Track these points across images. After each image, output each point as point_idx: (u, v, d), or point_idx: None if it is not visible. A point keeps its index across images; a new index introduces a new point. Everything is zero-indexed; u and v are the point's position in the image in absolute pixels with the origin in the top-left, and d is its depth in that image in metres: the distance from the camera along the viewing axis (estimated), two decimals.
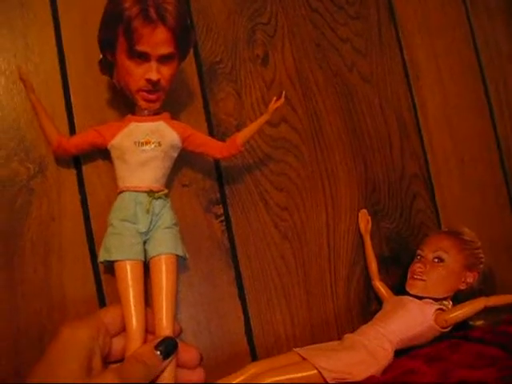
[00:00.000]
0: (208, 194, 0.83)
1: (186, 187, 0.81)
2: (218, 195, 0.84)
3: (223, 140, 0.81)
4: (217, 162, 0.84)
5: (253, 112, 0.88)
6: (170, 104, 0.76)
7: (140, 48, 0.66)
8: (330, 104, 0.95)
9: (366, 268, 0.93)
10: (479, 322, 0.87)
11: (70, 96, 0.77)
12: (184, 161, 0.79)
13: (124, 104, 0.78)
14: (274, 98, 0.76)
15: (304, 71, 0.94)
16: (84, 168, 0.76)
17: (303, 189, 0.90)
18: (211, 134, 0.84)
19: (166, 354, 0.62)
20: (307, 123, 0.92)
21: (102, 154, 0.75)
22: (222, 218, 0.83)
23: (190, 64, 0.83)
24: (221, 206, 0.84)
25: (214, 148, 0.76)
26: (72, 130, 0.76)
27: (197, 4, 0.87)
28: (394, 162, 1.00)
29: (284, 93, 0.77)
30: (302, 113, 0.92)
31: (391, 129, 1.01)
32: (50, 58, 0.77)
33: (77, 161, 0.76)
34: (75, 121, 0.77)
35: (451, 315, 0.83)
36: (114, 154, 0.71)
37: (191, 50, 0.76)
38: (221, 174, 0.84)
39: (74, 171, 0.76)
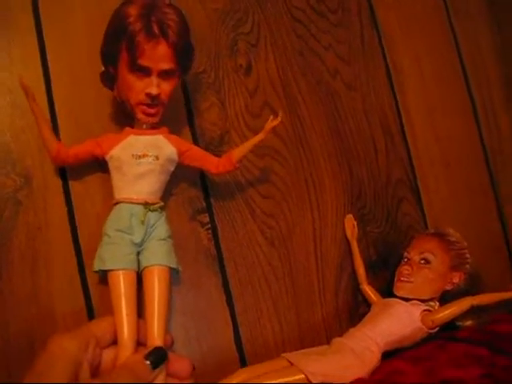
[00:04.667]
0: (193, 203, 0.84)
1: (172, 196, 0.82)
2: (204, 204, 0.84)
3: (208, 149, 0.82)
4: (202, 171, 0.84)
5: (237, 121, 0.89)
6: None
7: (142, 62, 0.68)
8: (314, 111, 0.96)
9: (353, 272, 0.94)
10: (468, 323, 0.88)
11: (54, 109, 0.78)
12: None
13: (109, 117, 0.80)
14: (271, 117, 0.77)
15: (287, 79, 0.95)
16: (70, 179, 0.77)
17: (289, 196, 0.91)
18: (196, 143, 0.85)
19: (156, 364, 0.62)
20: (292, 131, 0.93)
21: (88, 164, 0.76)
22: (208, 226, 0.84)
23: None
24: (206, 214, 0.84)
25: (211, 164, 0.77)
26: None
27: None
28: (380, 167, 1.01)
29: (281, 113, 0.77)
30: (287, 121, 0.93)
31: (376, 134, 1.02)
32: (34, 71, 0.78)
33: (63, 172, 0.77)
34: (60, 132, 0.77)
35: (438, 316, 0.84)
36: (111, 165, 0.72)
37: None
38: (206, 183, 0.85)
39: (60, 183, 0.77)
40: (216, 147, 0.86)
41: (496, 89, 1.19)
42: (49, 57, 0.79)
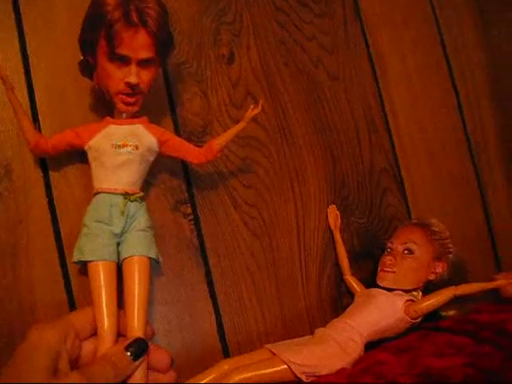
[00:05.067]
0: (176, 194, 0.83)
1: (153, 187, 0.81)
2: (186, 194, 0.84)
3: (190, 140, 0.82)
4: (184, 161, 0.83)
5: (219, 111, 0.89)
6: None
7: (120, 51, 0.67)
8: (297, 101, 0.96)
9: (336, 263, 0.94)
10: (451, 313, 0.88)
11: (34, 99, 0.77)
12: None
13: (90, 106, 0.79)
14: (252, 106, 0.76)
15: (270, 69, 0.94)
16: (51, 171, 0.76)
17: (271, 186, 0.91)
18: (178, 134, 0.84)
19: (136, 356, 0.62)
20: (274, 120, 0.93)
21: (69, 156, 0.75)
22: (191, 216, 0.83)
23: None
24: (189, 205, 0.84)
25: (191, 154, 0.77)
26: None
27: None
28: (363, 157, 1.01)
29: (261, 101, 0.77)
30: (269, 110, 0.93)
31: (359, 124, 1.02)
32: (13, 62, 0.77)
33: (43, 164, 0.76)
34: (41, 123, 0.77)
35: (421, 305, 0.84)
36: (90, 155, 0.71)
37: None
38: (188, 173, 0.84)
39: (40, 174, 0.76)
40: (198, 138, 0.86)
41: (480, 79, 1.19)
42: (28, 47, 0.78)
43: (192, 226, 0.83)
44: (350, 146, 1.00)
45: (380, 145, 1.03)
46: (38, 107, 0.77)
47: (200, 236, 0.84)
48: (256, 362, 0.76)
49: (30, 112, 0.76)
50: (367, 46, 1.06)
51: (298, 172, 0.93)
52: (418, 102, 1.10)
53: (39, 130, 0.76)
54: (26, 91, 0.77)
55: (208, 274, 0.84)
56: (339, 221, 0.94)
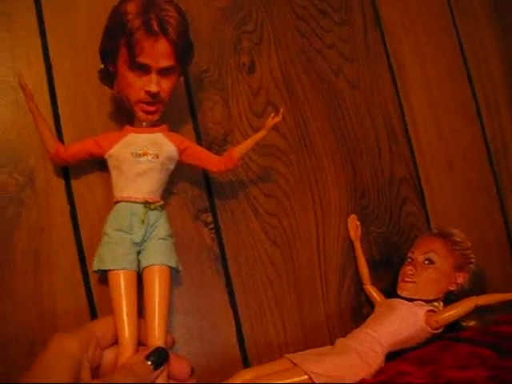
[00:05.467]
0: (197, 202, 0.83)
1: (175, 196, 0.81)
2: (207, 203, 0.84)
3: (211, 148, 0.82)
4: (205, 170, 0.83)
5: (240, 120, 0.89)
6: None
7: (141, 60, 0.67)
8: (318, 110, 0.96)
9: (356, 272, 0.93)
10: (472, 323, 0.87)
11: (57, 107, 0.77)
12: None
13: (111, 116, 0.79)
14: (272, 115, 0.76)
15: (290, 78, 0.94)
16: (73, 179, 0.76)
17: (292, 195, 0.91)
18: (199, 142, 0.84)
19: (157, 365, 0.62)
20: (295, 130, 0.93)
21: (91, 165, 0.75)
22: (212, 225, 0.83)
23: None
24: (210, 213, 0.84)
25: (211, 162, 0.76)
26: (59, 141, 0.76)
27: None
28: (383, 166, 1.00)
29: (282, 110, 0.77)
30: (290, 119, 0.93)
31: (379, 133, 1.01)
32: (37, 70, 0.77)
33: (65, 172, 0.76)
34: (63, 132, 0.77)
35: (442, 316, 0.83)
36: (111, 163, 0.71)
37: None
38: (209, 182, 0.84)
39: (62, 182, 0.76)
40: (219, 147, 0.86)
41: (499, 88, 1.19)
42: (51, 54, 0.78)
43: (213, 235, 0.83)
44: (370, 154, 0.99)
45: (400, 154, 1.03)
46: (60, 115, 0.77)
47: (221, 245, 0.84)
48: (277, 371, 0.76)
49: (52, 120, 0.76)
50: (387, 54, 1.06)
51: (318, 181, 0.93)
52: (437, 111, 1.10)
53: (61, 138, 0.76)
54: (49, 99, 0.77)
55: (228, 282, 0.83)
56: (359, 231, 0.94)
